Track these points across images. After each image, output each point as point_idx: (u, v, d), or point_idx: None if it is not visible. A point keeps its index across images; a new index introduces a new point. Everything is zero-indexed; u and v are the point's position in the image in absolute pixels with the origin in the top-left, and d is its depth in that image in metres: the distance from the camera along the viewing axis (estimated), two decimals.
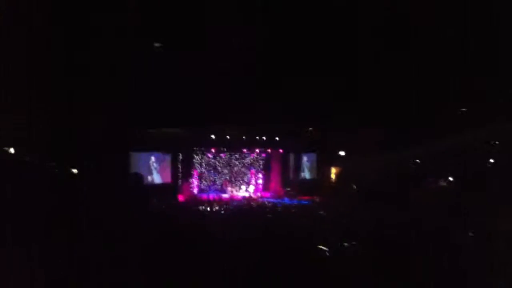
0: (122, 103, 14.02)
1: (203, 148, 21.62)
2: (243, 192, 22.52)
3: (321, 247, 7.91)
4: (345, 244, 9.26)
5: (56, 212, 5.96)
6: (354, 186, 21.54)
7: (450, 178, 19.42)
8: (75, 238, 4.87)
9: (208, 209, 17.12)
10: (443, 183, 19.45)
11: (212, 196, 21.19)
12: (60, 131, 14.75)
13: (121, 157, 17.66)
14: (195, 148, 21.44)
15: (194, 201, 20.04)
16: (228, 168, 22.72)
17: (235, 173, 22.88)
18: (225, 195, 21.64)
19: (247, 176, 23.12)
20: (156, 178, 19.91)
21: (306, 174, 24.06)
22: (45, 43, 10.73)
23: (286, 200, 20.82)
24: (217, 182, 22.38)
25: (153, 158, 19.83)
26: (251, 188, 22.93)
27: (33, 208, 5.83)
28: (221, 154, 22.29)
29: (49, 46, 10.81)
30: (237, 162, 22.91)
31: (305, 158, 24.02)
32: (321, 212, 16.26)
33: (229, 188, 22.33)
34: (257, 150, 22.93)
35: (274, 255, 6.67)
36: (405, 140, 19.30)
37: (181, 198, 20.04)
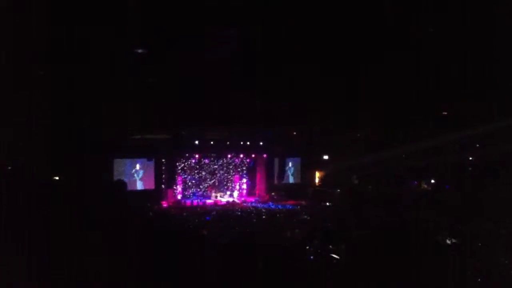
0: (106, 109, 13.90)
1: (187, 154, 21.46)
2: (228, 197, 22.43)
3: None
4: (330, 247, 9.30)
5: (39, 218, 5.87)
6: (338, 190, 21.68)
7: (432, 181, 19.69)
8: (59, 243, 4.81)
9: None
10: (425, 186, 19.71)
11: (196, 201, 21.06)
12: (44, 138, 14.56)
13: (104, 163, 17.46)
14: (178, 154, 21.25)
15: (178, 206, 19.90)
16: (212, 173, 22.61)
17: (219, 178, 22.77)
18: (209, 201, 21.52)
19: (232, 181, 23.04)
20: (140, 184, 19.71)
21: (290, 179, 24.08)
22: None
23: (271, 204, 20.82)
24: (201, 188, 22.25)
25: (137, 165, 19.64)
26: (236, 193, 22.86)
27: (15, 215, 5.74)
28: (205, 160, 22.18)
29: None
30: (221, 167, 22.80)
31: (289, 163, 24.05)
32: (306, 216, 16.35)
33: (213, 194, 22.20)
34: (241, 155, 22.88)
35: (259, 258, 6.66)
36: (388, 144, 19.51)
37: (165, 204, 19.87)
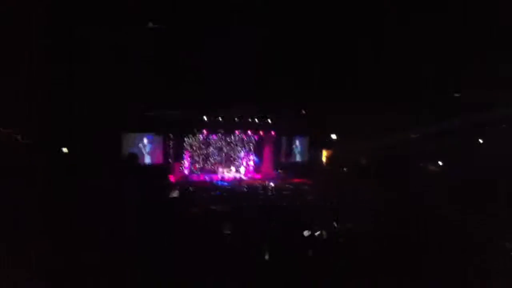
0: (117, 84, 13.91)
1: (194, 129, 21.53)
2: (234, 173, 22.58)
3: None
4: (335, 225, 9.40)
5: (52, 190, 5.99)
6: (344, 169, 21.73)
7: (440, 163, 19.65)
8: (73, 214, 4.93)
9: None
10: (432, 167, 19.68)
11: (203, 177, 21.25)
12: (54, 111, 14.64)
13: (113, 138, 17.57)
14: (187, 129, 21.34)
15: (186, 182, 20.10)
16: (220, 149, 22.73)
17: (226, 154, 22.90)
18: (216, 176, 21.70)
19: (239, 158, 23.16)
20: (147, 159, 19.87)
21: (297, 157, 24.16)
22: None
23: (277, 182, 20.95)
24: (208, 163, 22.41)
25: (145, 140, 19.76)
26: (242, 169, 23.00)
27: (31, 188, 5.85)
28: (213, 136, 22.26)
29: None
30: (228, 144, 22.89)
31: (297, 141, 24.10)
32: (312, 196, 16.45)
33: (220, 169, 22.37)
34: (249, 132, 22.93)
35: (266, 234, 6.76)
36: (396, 124, 19.42)
37: (172, 179, 20.07)
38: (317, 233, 8.88)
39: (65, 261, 4.39)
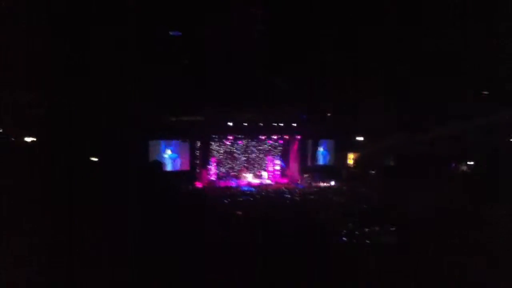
0: (142, 91, 14.12)
1: (221, 135, 21.64)
2: (260, 178, 22.53)
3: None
4: (366, 229, 9.23)
5: (80, 199, 6.10)
6: (372, 172, 21.39)
7: (471, 162, 19.11)
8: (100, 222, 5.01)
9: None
10: (464, 168, 19.17)
11: (229, 182, 21.30)
12: (80, 121, 14.96)
13: (139, 145, 17.81)
14: (213, 135, 21.48)
15: (212, 187, 20.19)
16: (246, 154, 22.75)
17: (252, 159, 22.89)
18: (242, 182, 21.69)
19: (264, 163, 23.11)
20: (174, 165, 20.06)
21: (323, 160, 23.92)
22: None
23: (304, 186, 20.82)
24: (235, 169, 22.45)
25: (171, 146, 19.96)
26: (267, 174, 22.91)
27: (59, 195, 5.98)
28: (239, 141, 22.32)
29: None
30: (254, 149, 22.90)
31: (323, 144, 23.86)
32: (339, 198, 16.25)
33: (246, 175, 22.36)
34: (275, 137, 22.86)
35: (292, 238, 6.70)
36: (424, 124, 19.02)
37: (199, 184, 20.19)
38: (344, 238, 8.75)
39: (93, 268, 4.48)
